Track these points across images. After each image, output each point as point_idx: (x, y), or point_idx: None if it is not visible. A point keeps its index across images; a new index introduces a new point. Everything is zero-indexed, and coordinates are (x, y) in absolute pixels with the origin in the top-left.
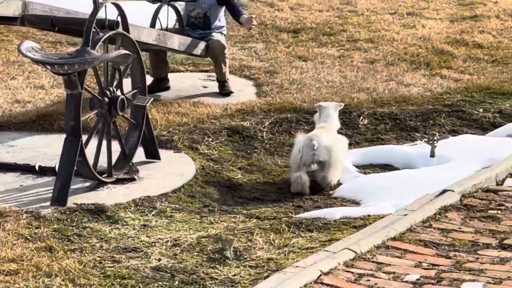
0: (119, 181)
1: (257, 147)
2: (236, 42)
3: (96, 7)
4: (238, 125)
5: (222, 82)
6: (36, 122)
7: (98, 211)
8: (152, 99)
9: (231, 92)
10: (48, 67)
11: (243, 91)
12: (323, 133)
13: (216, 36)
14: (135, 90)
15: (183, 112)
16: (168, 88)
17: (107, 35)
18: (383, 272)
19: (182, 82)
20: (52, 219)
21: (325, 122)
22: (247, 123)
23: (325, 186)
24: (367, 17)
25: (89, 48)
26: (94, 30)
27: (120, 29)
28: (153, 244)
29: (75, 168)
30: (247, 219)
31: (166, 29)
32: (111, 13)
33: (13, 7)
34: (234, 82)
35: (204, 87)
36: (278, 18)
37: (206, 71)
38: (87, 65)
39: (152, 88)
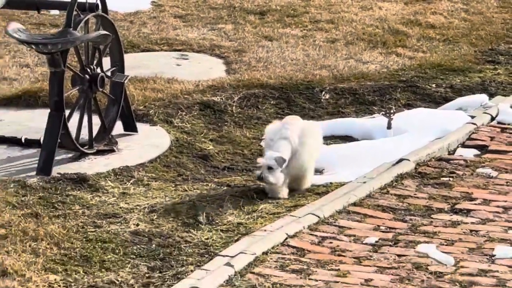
0: (99, 152)
1: (227, 121)
2: (206, 23)
3: None
4: (209, 100)
5: None
6: (21, 98)
7: (80, 180)
8: (129, 76)
9: None
10: (33, 46)
11: (214, 69)
12: None
13: None
14: (114, 68)
15: (158, 88)
16: None
17: (87, 16)
18: (345, 235)
19: (157, 60)
20: (38, 187)
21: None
22: (218, 98)
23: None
24: (328, 0)
25: (71, 29)
26: (76, 12)
27: (100, 11)
28: (132, 210)
29: (59, 140)
30: (218, 187)
31: None
32: None
33: None
34: (205, 60)
35: (178, 65)
36: (245, 1)
37: (179, 50)
38: (69, 45)
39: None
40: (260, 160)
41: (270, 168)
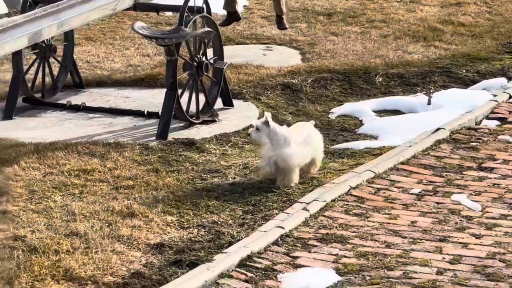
0: (204, 122)
1: (302, 98)
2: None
3: None
4: (288, 82)
5: (279, 17)
6: (144, 80)
7: (189, 143)
8: (227, 63)
9: (286, 28)
10: (153, 40)
11: (292, 58)
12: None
13: None
14: (215, 57)
15: (249, 72)
16: (239, 19)
17: (195, 17)
18: (395, 187)
19: (248, 51)
20: (157, 149)
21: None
22: (295, 81)
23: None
24: (381, 4)
25: (182, 27)
26: (186, 14)
27: (205, 13)
28: (229, 167)
29: (173, 113)
30: None
31: None
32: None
33: (127, 1)
34: (285, 51)
35: (264, 55)
36: (316, 5)
37: (265, 43)
38: (181, 39)
39: (227, 22)
40: (252, 122)
41: (257, 129)
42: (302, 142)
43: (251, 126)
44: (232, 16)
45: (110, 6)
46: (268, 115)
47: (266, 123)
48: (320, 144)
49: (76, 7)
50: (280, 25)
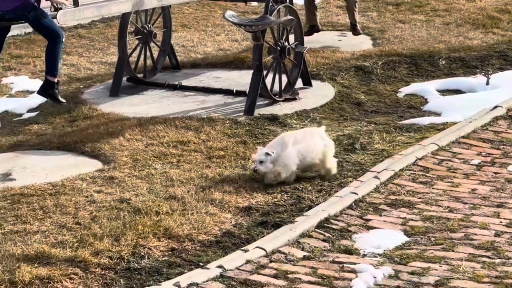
0: (286, 100)
1: (373, 79)
2: (359, 11)
3: None
4: (361, 64)
5: (353, 25)
6: (233, 63)
7: (273, 119)
8: (307, 48)
9: (360, 33)
10: (242, 27)
11: (364, 43)
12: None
13: None
14: (296, 42)
15: (326, 56)
16: (319, 31)
17: (279, 6)
18: (457, 158)
19: (325, 37)
20: (245, 123)
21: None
22: (367, 63)
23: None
24: None
25: (268, 15)
26: (271, 4)
27: (287, 3)
28: None
29: (259, 91)
30: (368, 124)
31: None
32: None
33: None
34: (358, 37)
35: (339, 40)
36: None
37: (340, 30)
38: (267, 26)
39: (309, 33)
40: (253, 157)
41: (261, 162)
42: (294, 145)
43: (253, 168)
44: (313, 28)
45: None
46: (260, 148)
47: (267, 154)
48: (315, 148)
49: None
50: (355, 31)
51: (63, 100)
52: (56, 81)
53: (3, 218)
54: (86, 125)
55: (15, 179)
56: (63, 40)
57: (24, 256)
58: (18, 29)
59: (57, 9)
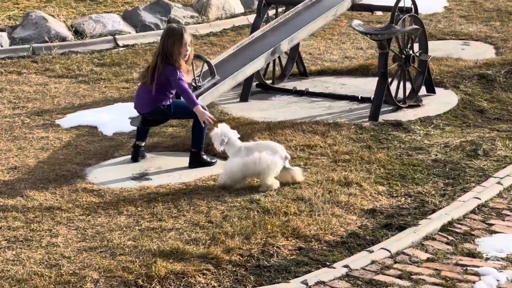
0: (410, 106)
1: (496, 87)
2: (482, 21)
3: None
4: (484, 72)
5: None
6: (358, 70)
7: (397, 124)
8: (431, 56)
9: None
10: (368, 36)
11: (487, 52)
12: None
13: None
14: (421, 51)
15: (449, 64)
16: None
17: (404, 16)
18: None
19: (448, 46)
20: (369, 129)
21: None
22: (490, 72)
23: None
24: None
25: (393, 24)
26: (397, 13)
27: (412, 13)
28: (432, 145)
29: (384, 98)
30: (491, 131)
31: None
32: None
33: (346, 5)
34: (480, 46)
35: (462, 49)
36: (509, 6)
37: (463, 39)
38: (392, 35)
39: None
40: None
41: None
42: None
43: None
44: None
45: (331, 13)
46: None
47: (222, 141)
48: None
49: (302, 14)
50: None
51: (213, 160)
52: (201, 151)
53: (140, 215)
54: None
55: (151, 179)
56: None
57: (160, 251)
58: (154, 37)
59: (196, 88)
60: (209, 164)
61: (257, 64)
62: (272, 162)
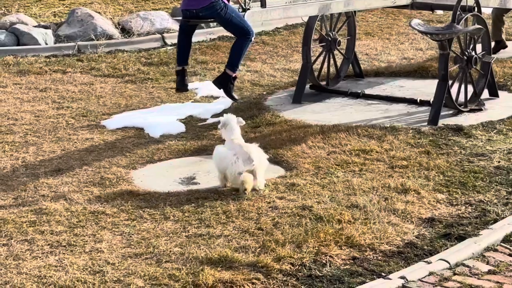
0: (471, 111)
1: None
2: None
3: None
4: None
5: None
6: (417, 72)
7: (458, 129)
8: (495, 57)
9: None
10: (428, 36)
11: None
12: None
13: None
14: (484, 52)
15: None
16: (505, 47)
17: (466, 15)
18: None
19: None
20: (428, 133)
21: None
22: None
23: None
24: None
25: (455, 23)
26: (458, 12)
27: (475, 12)
28: (494, 151)
29: (444, 101)
30: None
31: None
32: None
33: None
34: None
35: None
36: None
37: None
38: (454, 35)
39: (495, 49)
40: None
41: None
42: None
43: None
44: (499, 44)
45: None
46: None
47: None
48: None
49: None
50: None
51: (237, 97)
52: (233, 76)
53: (187, 221)
54: (269, 131)
55: (199, 183)
56: (252, 38)
57: (208, 259)
58: (204, 35)
59: (244, 10)
60: (232, 97)
61: (309, 9)
62: (233, 165)
